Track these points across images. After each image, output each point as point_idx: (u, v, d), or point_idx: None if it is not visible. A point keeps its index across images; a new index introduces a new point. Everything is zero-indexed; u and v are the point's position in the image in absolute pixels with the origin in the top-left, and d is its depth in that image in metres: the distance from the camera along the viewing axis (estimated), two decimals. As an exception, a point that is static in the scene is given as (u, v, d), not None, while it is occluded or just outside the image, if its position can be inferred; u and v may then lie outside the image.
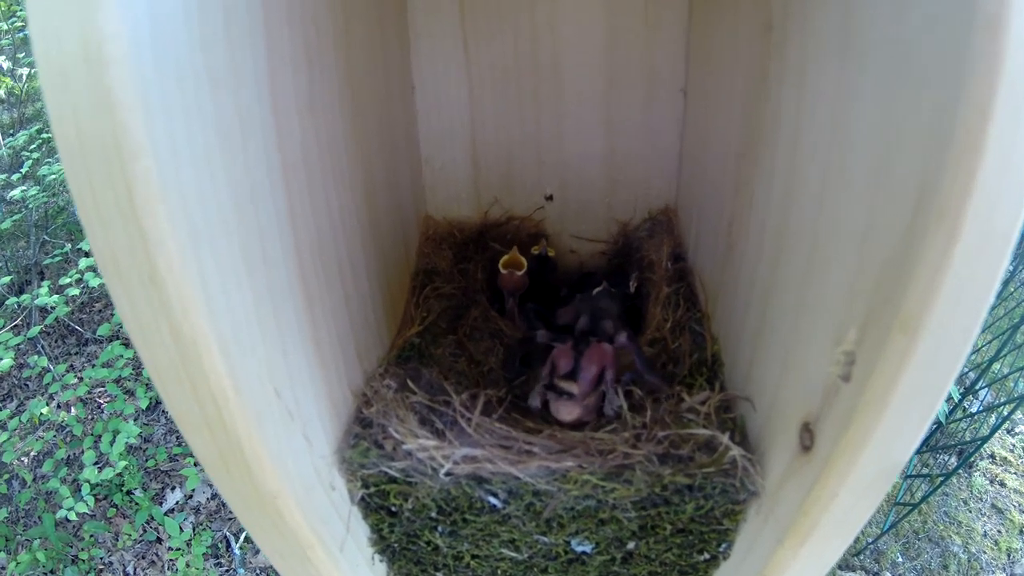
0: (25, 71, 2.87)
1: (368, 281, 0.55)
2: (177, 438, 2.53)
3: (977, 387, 2.11)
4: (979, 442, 1.92)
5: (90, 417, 2.45)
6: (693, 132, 0.69)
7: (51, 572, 2.19)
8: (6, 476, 2.31)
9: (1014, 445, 2.43)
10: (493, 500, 0.46)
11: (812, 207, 0.38)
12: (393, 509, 0.48)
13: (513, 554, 0.51)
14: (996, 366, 2.10)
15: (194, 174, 0.29)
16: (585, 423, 0.54)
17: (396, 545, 0.52)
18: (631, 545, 0.50)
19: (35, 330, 2.33)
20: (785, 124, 0.42)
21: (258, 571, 2.30)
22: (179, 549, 2.22)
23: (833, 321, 0.35)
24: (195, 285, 0.30)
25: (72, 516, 2.09)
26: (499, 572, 0.53)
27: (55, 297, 2.30)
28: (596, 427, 0.51)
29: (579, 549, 0.50)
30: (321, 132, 0.45)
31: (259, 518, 0.40)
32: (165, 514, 2.31)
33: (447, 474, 0.44)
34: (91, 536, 2.27)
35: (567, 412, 0.53)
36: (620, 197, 0.77)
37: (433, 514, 0.48)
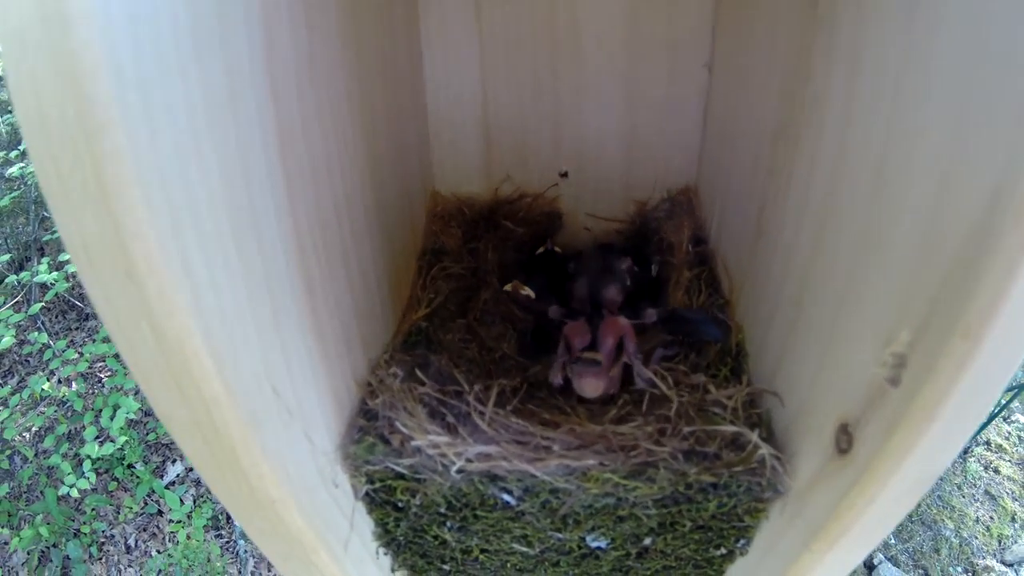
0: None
1: (373, 263, 0.52)
2: (178, 412, 2.52)
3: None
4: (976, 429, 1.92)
5: (91, 392, 2.46)
6: (719, 110, 0.66)
7: (54, 546, 2.21)
8: (8, 452, 2.31)
9: (1009, 433, 2.44)
10: (507, 497, 0.43)
11: (864, 197, 0.34)
12: (400, 505, 0.46)
13: (525, 549, 0.49)
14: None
15: (175, 151, 0.26)
16: (611, 398, 0.52)
17: (402, 539, 0.50)
18: (647, 541, 0.48)
19: (35, 307, 2.31)
20: (833, 104, 0.39)
21: (260, 544, 2.30)
22: (180, 522, 2.24)
23: (882, 320, 0.32)
24: (178, 279, 0.26)
25: (74, 492, 2.10)
26: (508, 566, 0.52)
27: (55, 274, 2.29)
28: (617, 418, 0.48)
29: (594, 545, 0.49)
30: (323, 104, 0.41)
31: (258, 523, 0.38)
32: (166, 487, 2.32)
33: (459, 472, 0.42)
34: (93, 510, 2.28)
35: (592, 387, 0.51)
36: (638, 175, 0.74)
37: (442, 510, 0.46)
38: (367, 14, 0.50)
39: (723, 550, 0.49)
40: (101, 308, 0.27)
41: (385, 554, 0.52)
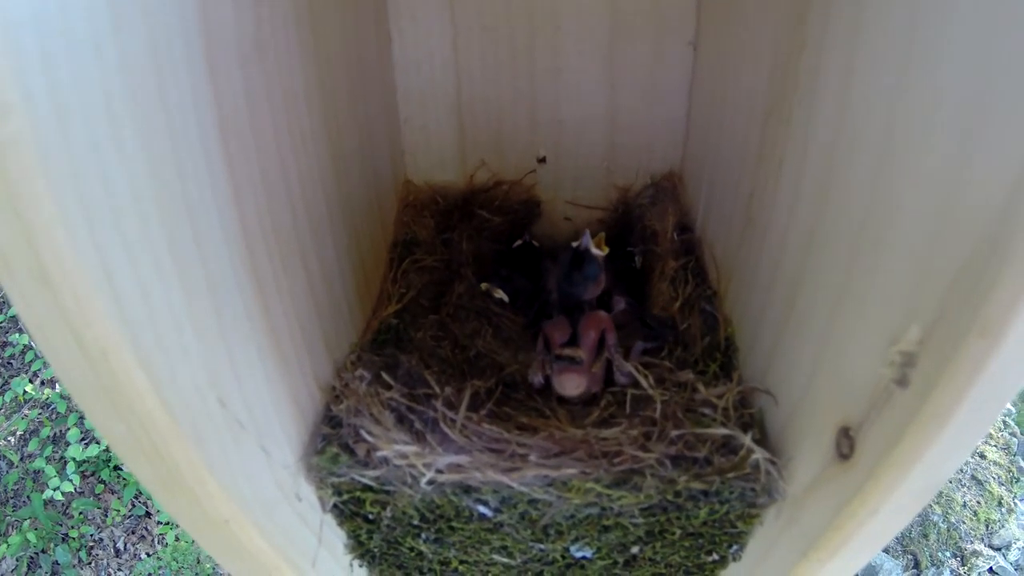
0: None
1: (336, 258, 0.48)
2: (164, 411, 2.50)
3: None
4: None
5: (73, 393, 2.43)
6: (704, 91, 0.63)
7: (42, 551, 2.19)
8: (-7, 458, 2.28)
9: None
10: (483, 509, 0.40)
11: (866, 180, 0.31)
12: (370, 517, 0.43)
13: (505, 560, 0.46)
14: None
15: (89, 139, 0.23)
16: (592, 397, 0.49)
17: (376, 551, 0.47)
18: (635, 550, 0.46)
19: (15, 309, 2.28)
20: (830, 77, 0.36)
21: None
22: (168, 523, 2.23)
23: (888, 315, 0.29)
24: (97, 282, 0.23)
25: (58, 496, 2.08)
26: (490, 576, 0.49)
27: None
28: (600, 420, 0.45)
29: (578, 555, 0.46)
30: (273, 84, 0.38)
31: (215, 543, 0.35)
32: (153, 489, 2.30)
33: (429, 483, 0.39)
34: (80, 513, 2.26)
35: (573, 385, 0.49)
36: (620, 161, 0.71)
37: (416, 522, 0.43)
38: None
39: (715, 556, 0.47)
40: (23, 317, 0.24)
41: (360, 566, 0.49)
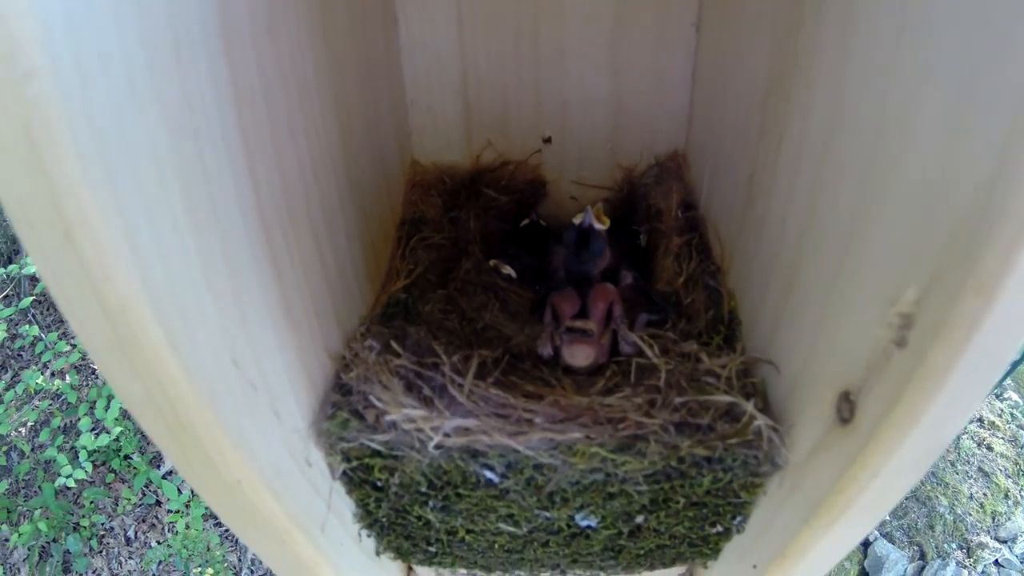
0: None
1: (346, 233, 0.49)
2: (173, 401, 2.51)
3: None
4: (968, 406, 1.93)
5: (84, 384, 2.45)
6: (707, 71, 0.63)
7: (53, 541, 2.21)
8: (4, 448, 2.31)
9: (1002, 410, 2.46)
10: (489, 474, 0.41)
11: (862, 150, 0.32)
12: (379, 484, 0.44)
13: (511, 529, 0.47)
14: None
15: (110, 101, 0.24)
16: (599, 368, 0.50)
17: (384, 520, 0.48)
18: (639, 519, 0.46)
19: (26, 301, 2.30)
20: (827, 53, 0.36)
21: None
22: (178, 511, 2.24)
23: (887, 279, 0.30)
24: (119, 240, 0.24)
25: (71, 483, 2.11)
26: (496, 546, 0.50)
27: (43, 265, 2.28)
28: (605, 389, 0.46)
29: (583, 523, 0.47)
30: (284, 62, 0.39)
31: (226, 504, 0.36)
32: (163, 477, 2.31)
33: (437, 447, 0.40)
34: (91, 503, 2.28)
35: (583, 355, 0.50)
36: (625, 141, 0.71)
37: (423, 489, 0.44)
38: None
39: (719, 528, 0.47)
40: (44, 276, 0.25)
41: (368, 536, 0.50)
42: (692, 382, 0.43)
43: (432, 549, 0.51)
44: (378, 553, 0.52)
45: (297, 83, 0.41)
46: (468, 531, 0.48)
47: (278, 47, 0.38)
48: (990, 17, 0.23)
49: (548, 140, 0.72)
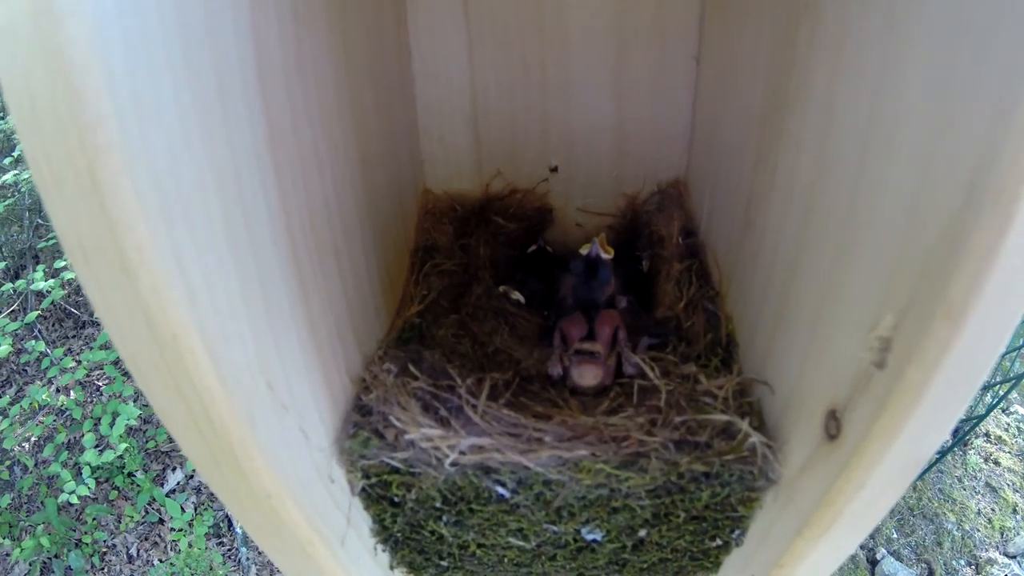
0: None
1: (365, 259, 0.52)
2: (177, 419, 2.52)
3: (974, 367, 2.11)
4: (975, 420, 1.92)
5: (89, 400, 2.45)
6: (706, 102, 0.66)
7: (55, 556, 2.20)
8: (7, 463, 2.31)
9: (1009, 424, 2.44)
10: (501, 490, 0.44)
11: (847, 182, 0.35)
12: (396, 500, 0.46)
13: (521, 543, 0.49)
14: (993, 347, 2.11)
15: (166, 145, 0.26)
16: (604, 390, 0.53)
17: (399, 535, 0.50)
18: (642, 533, 0.48)
19: (32, 315, 2.31)
20: (816, 93, 0.39)
21: (259, 550, 2.30)
22: (181, 530, 2.23)
23: (867, 305, 0.32)
24: (172, 273, 0.27)
25: (74, 499, 2.10)
26: (505, 560, 0.52)
27: (51, 281, 2.29)
28: (609, 409, 0.48)
29: (589, 537, 0.49)
30: (312, 97, 0.42)
31: (255, 517, 0.38)
32: (167, 495, 2.32)
33: (453, 464, 0.42)
34: (94, 519, 2.28)
35: (591, 375, 0.53)
36: (628, 169, 0.74)
37: (438, 504, 0.46)
38: (354, 9, 0.51)
39: (719, 541, 0.49)
40: (98, 305, 0.28)
41: (383, 551, 0.52)
42: (691, 402, 0.46)
43: (444, 563, 0.53)
44: (392, 567, 0.54)
45: (321, 116, 0.44)
46: (479, 545, 0.50)
47: (305, 83, 0.41)
48: (961, 67, 0.26)
49: (555, 169, 0.74)
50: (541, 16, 0.66)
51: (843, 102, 0.36)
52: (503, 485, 0.43)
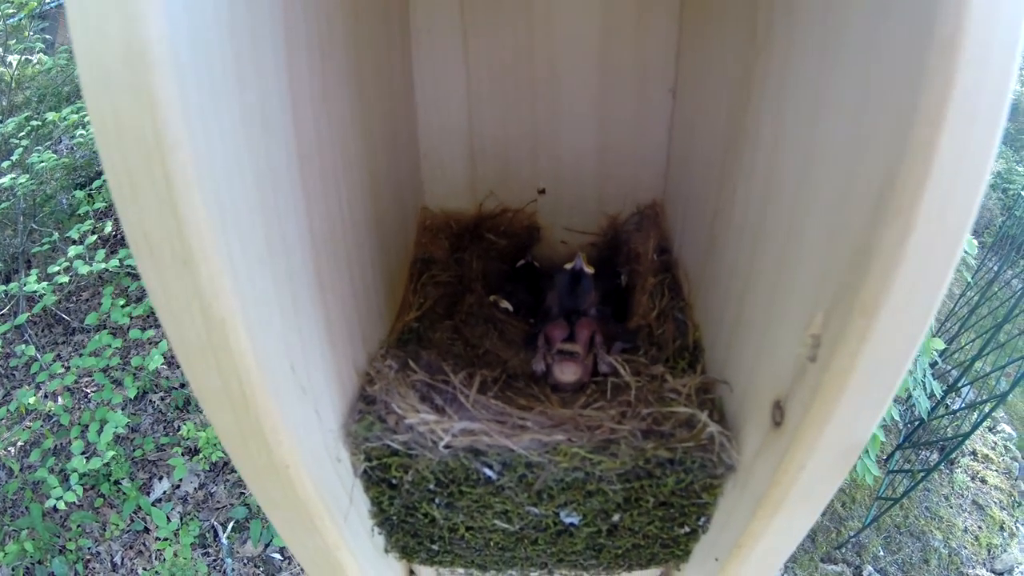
0: (15, 58, 2.84)
1: (371, 268, 0.58)
2: (164, 428, 2.53)
3: (960, 384, 2.15)
4: (960, 438, 1.95)
5: (77, 406, 2.45)
6: (681, 131, 0.73)
7: (39, 562, 2.19)
8: (-7, 467, 2.29)
9: (995, 443, 2.47)
10: (488, 472, 0.49)
11: (787, 203, 0.41)
12: (393, 482, 0.51)
13: (505, 525, 0.54)
14: (978, 364, 2.14)
15: (224, 163, 0.32)
16: (583, 385, 0.58)
17: (395, 518, 0.55)
18: (616, 517, 0.53)
19: (22, 317, 2.32)
20: (765, 126, 0.46)
21: (245, 560, 2.31)
22: (167, 539, 2.23)
23: (803, 307, 0.38)
24: (225, 267, 0.32)
25: (60, 505, 2.09)
26: (491, 544, 0.56)
27: (43, 285, 2.29)
28: (585, 404, 0.54)
29: (567, 520, 0.53)
30: (332, 122, 0.48)
31: (271, 487, 0.43)
32: (153, 504, 2.32)
33: (446, 447, 0.48)
34: (78, 526, 2.27)
35: (571, 371, 0.59)
36: (610, 191, 0.80)
37: (431, 486, 0.51)
38: (368, 46, 0.57)
39: (686, 528, 0.54)
40: (155, 291, 0.33)
41: (379, 533, 0.57)
42: (658, 398, 0.52)
43: (435, 547, 0.57)
44: (386, 551, 0.58)
45: (341, 138, 0.50)
46: (468, 528, 0.55)
47: (328, 111, 0.47)
48: (872, 104, 0.32)
49: (543, 191, 0.81)
50: (532, 53, 0.73)
51: (786, 133, 0.43)
52: (490, 467, 0.48)
